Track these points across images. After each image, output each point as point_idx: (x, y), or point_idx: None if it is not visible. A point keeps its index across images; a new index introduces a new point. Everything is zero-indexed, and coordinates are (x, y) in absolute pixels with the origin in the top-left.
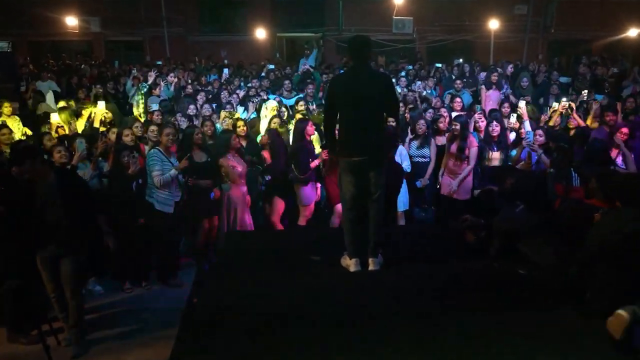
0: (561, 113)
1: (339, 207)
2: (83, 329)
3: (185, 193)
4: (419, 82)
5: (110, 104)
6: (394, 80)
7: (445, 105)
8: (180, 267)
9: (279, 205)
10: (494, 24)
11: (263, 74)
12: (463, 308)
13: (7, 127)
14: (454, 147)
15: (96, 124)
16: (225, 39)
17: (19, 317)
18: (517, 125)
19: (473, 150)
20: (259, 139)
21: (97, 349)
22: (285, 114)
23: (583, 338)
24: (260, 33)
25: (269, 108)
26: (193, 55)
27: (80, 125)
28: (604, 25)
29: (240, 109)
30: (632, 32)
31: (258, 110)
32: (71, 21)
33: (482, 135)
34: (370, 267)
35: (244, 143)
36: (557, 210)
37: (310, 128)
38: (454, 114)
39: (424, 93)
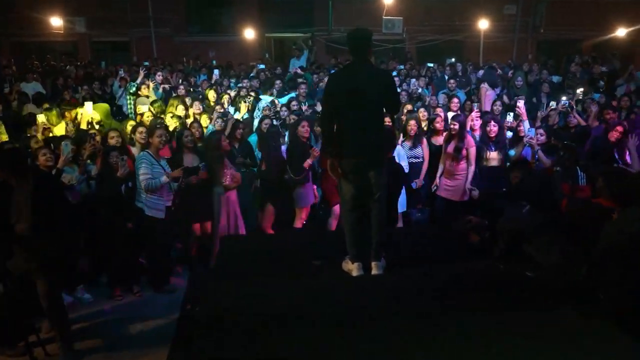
0: (560, 112)
1: (336, 208)
2: (69, 339)
3: (176, 197)
4: (413, 80)
5: (102, 103)
6: None
7: (440, 104)
8: (173, 273)
9: (269, 210)
10: (483, 24)
11: (253, 74)
12: (463, 308)
13: None
14: (450, 148)
15: (83, 126)
16: (213, 39)
17: (3, 328)
18: (514, 125)
19: (472, 151)
20: (252, 139)
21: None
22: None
23: (583, 338)
24: (249, 33)
25: (261, 109)
26: (180, 55)
27: (60, 129)
28: (593, 25)
29: (231, 109)
30: (620, 32)
31: (251, 111)
32: (56, 22)
33: (475, 134)
34: (373, 271)
35: (236, 145)
36: (564, 210)
37: (303, 129)
38: (449, 114)
39: (419, 91)
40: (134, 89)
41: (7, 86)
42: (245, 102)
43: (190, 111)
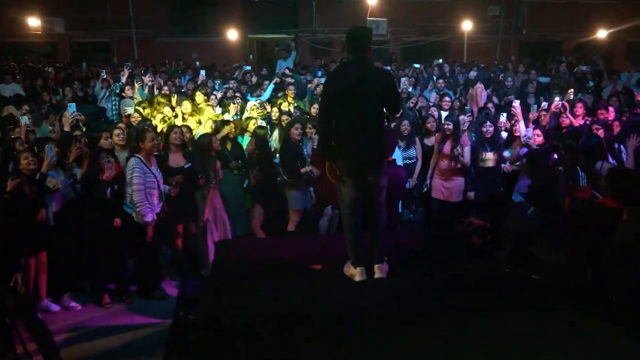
0: (553, 112)
1: (329, 209)
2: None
3: (166, 205)
4: (403, 79)
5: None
6: None
7: (432, 103)
8: (163, 279)
9: (259, 212)
10: (467, 25)
11: (236, 75)
12: (463, 308)
13: None
14: (446, 148)
15: (66, 128)
16: (195, 40)
17: None
18: (508, 125)
19: (466, 149)
20: (242, 141)
21: None
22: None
23: (583, 338)
24: (232, 34)
25: (249, 109)
26: (162, 56)
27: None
28: (574, 27)
29: (218, 110)
30: (601, 34)
31: (241, 112)
32: (33, 22)
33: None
34: (377, 275)
35: (228, 147)
36: (567, 210)
37: (296, 131)
38: (443, 114)
39: (409, 90)
40: (118, 89)
41: None
42: (234, 103)
43: (178, 110)
